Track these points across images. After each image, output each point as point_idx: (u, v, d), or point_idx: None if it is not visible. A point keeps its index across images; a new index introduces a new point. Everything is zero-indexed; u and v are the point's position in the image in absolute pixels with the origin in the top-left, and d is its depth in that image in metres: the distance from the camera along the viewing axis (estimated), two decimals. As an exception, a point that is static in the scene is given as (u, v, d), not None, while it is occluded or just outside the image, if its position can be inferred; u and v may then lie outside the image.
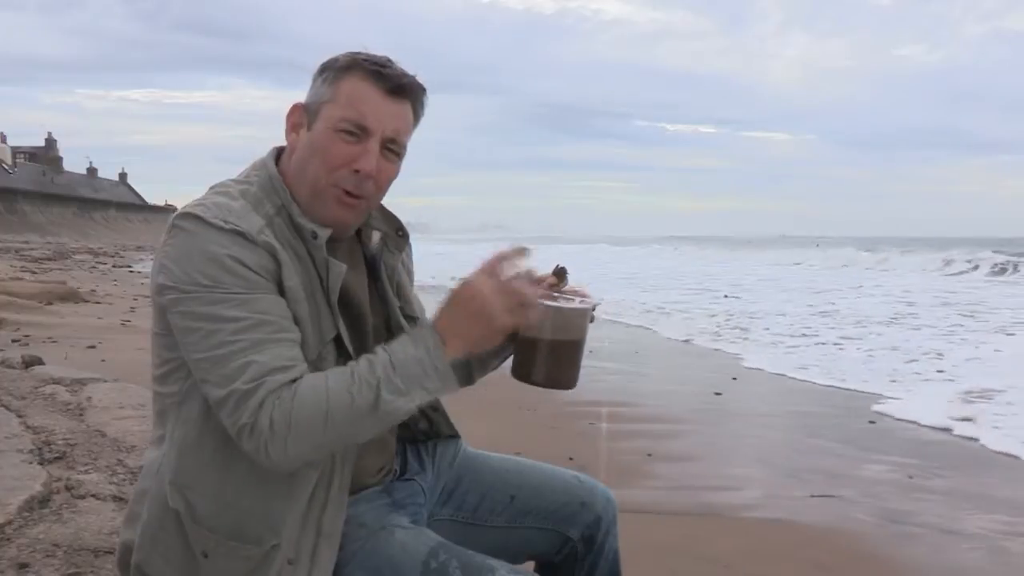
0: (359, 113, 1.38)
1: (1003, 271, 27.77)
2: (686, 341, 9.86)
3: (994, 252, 32.83)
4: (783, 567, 3.11)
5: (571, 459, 4.03)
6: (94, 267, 23.81)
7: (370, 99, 1.38)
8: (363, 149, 1.38)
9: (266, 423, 1.25)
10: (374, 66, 1.39)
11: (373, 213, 1.53)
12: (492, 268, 1.30)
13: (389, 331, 1.54)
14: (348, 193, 1.40)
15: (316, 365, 1.35)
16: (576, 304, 1.34)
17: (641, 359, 8.34)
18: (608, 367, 7.14)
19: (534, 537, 1.65)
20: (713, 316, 12.69)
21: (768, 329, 10.88)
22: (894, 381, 7.07)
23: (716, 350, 9.10)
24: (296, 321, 1.34)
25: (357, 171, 1.38)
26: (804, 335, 10.30)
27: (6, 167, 71.41)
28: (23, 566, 2.14)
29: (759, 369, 7.71)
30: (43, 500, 2.57)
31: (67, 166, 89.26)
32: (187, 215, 1.32)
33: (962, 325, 11.72)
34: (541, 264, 1.38)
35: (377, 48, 1.42)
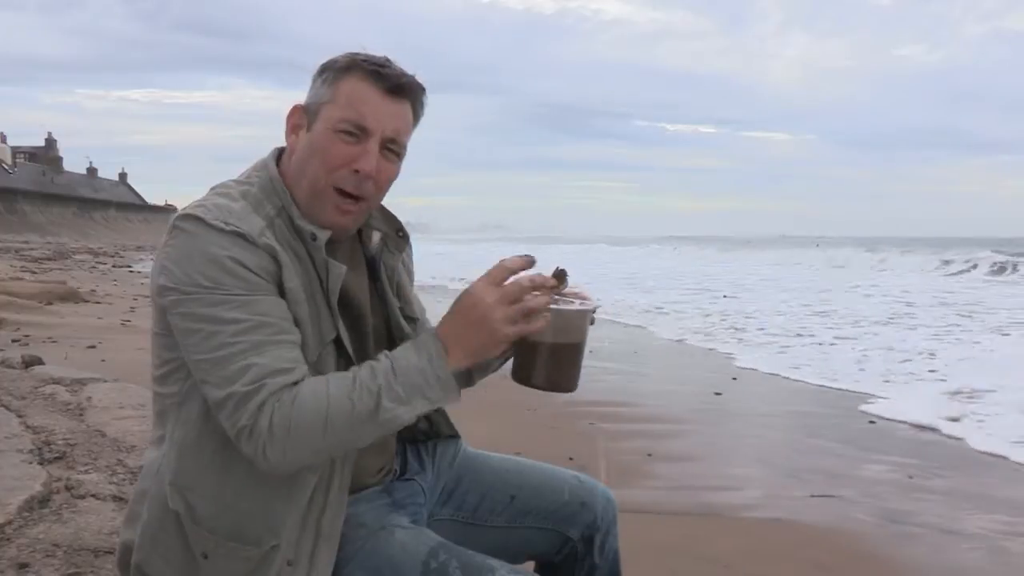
0: (358, 113, 1.38)
1: (1002, 270, 27.78)
2: (679, 341, 9.86)
3: (994, 252, 32.86)
4: (783, 567, 3.11)
5: (571, 459, 4.03)
6: (94, 267, 23.81)
7: (369, 99, 1.38)
8: (363, 149, 1.38)
9: (265, 425, 1.24)
10: (373, 66, 1.39)
11: (373, 213, 1.53)
12: (496, 278, 1.29)
13: (389, 331, 1.54)
14: (347, 195, 1.39)
15: (316, 367, 1.35)
16: (576, 307, 1.34)
17: (635, 359, 8.33)
18: (604, 367, 7.15)
19: (534, 537, 1.65)
20: (708, 316, 12.72)
21: (762, 329, 10.89)
22: (887, 381, 7.08)
23: (710, 350, 9.11)
24: (296, 323, 1.34)
25: (357, 171, 1.38)
26: (799, 335, 10.32)
27: (6, 167, 71.41)
28: (23, 566, 2.15)
29: (752, 369, 7.71)
30: (43, 500, 2.57)
31: (67, 166, 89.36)
32: (188, 216, 1.32)
33: (958, 325, 11.74)
34: (541, 265, 1.38)
35: (377, 48, 1.42)
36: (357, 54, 1.41)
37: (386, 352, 1.32)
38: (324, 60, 1.43)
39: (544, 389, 1.36)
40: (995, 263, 29.13)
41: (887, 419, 5.62)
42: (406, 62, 1.43)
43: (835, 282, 22.63)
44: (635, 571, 1.98)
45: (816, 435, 5.22)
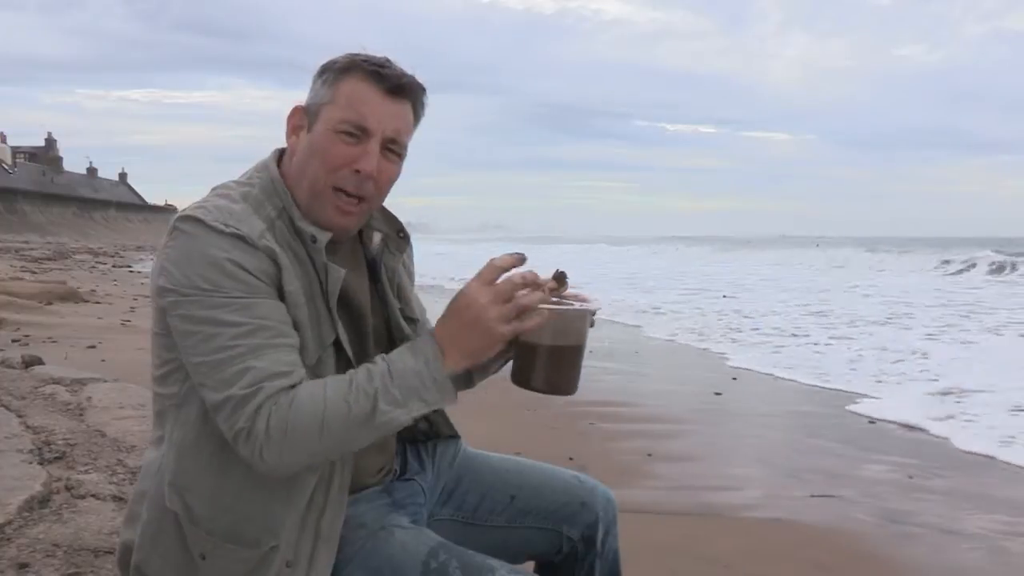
0: (359, 114, 1.37)
1: (1000, 269, 27.80)
2: (673, 341, 9.86)
3: (994, 252, 32.90)
4: (783, 567, 3.11)
5: (571, 459, 4.03)
6: (94, 267, 23.81)
7: (369, 100, 1.38)
8: (363, 150, 1.38)
9: (262, 428, 1.24)
10: (373, 66, 1.39)
11: (374, 214, 1.53)
12: (487, 277, 1.29)
13: (389, 332, 1.54)
14: (348, 195, 1.39)
15: (315, 369, 1.35)
16: (576, 309, 1.34)
17: (633, 359, 8.32)
18: (603, 367, 7.16)
19: (534, 537, 1.65)
20: (704, 316, 12.74)
21: (757, 329, 10.91)
22: (879, 381, 7.09)
23: (704, 350, 9.12)
24: (295, 325, 1.33)
25: (358, 172, 1.38)
26: (794, 335, 10.34)
27: (6, 167, 71.41)
28: (23, 566, 2.15)
29: (746, 369, 7.71)
30: (43, 500, 2.57)
31: (67, 166, 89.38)
32: (188, 218, 1.32)
33: (955, 325, 11.74)
34: (541, 266, 1.37)
35: (377, 48, 1.42)
36: (357, 55, 1.41)
37: (383, 355, 1.32)
38: (324, 61, 1.43)
39: (543, 392, 1.35)
40: (993, 263, 29.15)
41: (873, 418, 5.64)
42: (406, 62, 1.43)
43: (834, 282, 22.64)
44: (635, 571, 1.98)
45: (816, 435, 5.22)
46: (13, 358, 5.19)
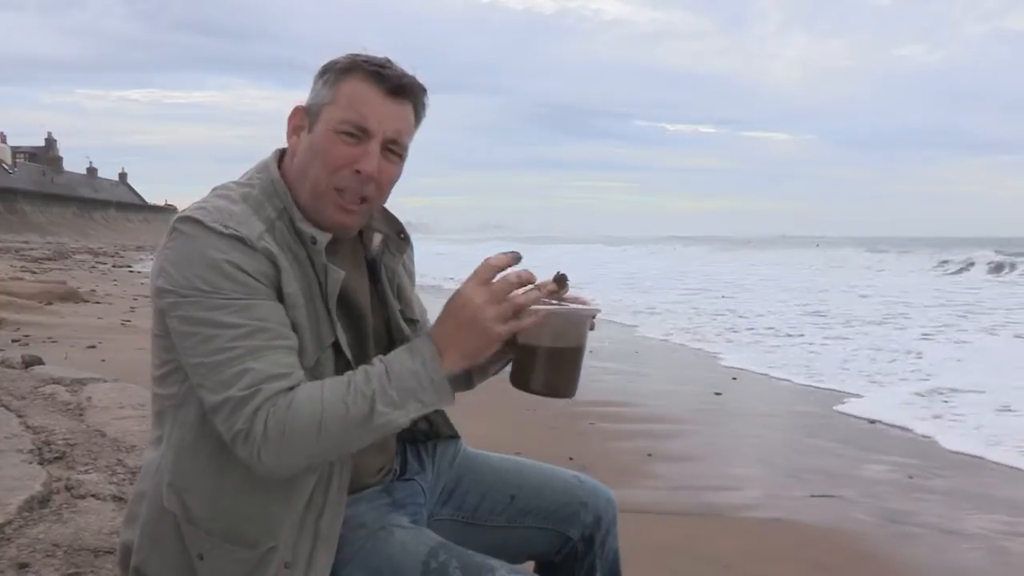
0: (359, 115, 1.37)
1: (999, 269, 27.82)
2: (667, 341, 9.87)
3: (994, 252, 32.92)
4: (783, 567, 3.11)
5: (571, 459, 4.03)
6: (94, 267, 23.80)
7: (370, 100, 1.38)
8: (364, 150, 1.38)
9: (260, 430, 1.24)
10: (374, 67, 1.38)
11: (375, 215, 1.53)
12: (482, 277, 1.29)
13: (389, 333, 1.54)
14: (348, 194, 1.39)
15: (314, 371, 1.35)
16: (576, 310, 1.33)
17: (625, 358, 8.33)
18: (603, 367, 7.17)
19: (534, 537, 1.65)
20: (701, 316, 12.75)
21: (752, 329, 10.92)
22: (871, 381, 7.11)
23: (697, 350, 9.13)
24: (294, 327, 1.33)
25: (358, 172, 1.38)
26: (788, 335, 10.36)
27: (6, 167, 71.41)
28: (23, 566, 2.15)
29: (739, 368, 7.71)
30: (43, 500, 2.57)
31: (67, 166, 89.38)
32: (187, 219, 1.32)
33: (952, 325, 11.74)
34: (541, 266, 1.37)
35: (377, 48, 1.42)
36: (358, 55, 1.40)
37: (380, 357, 1.32)
38: (325, 61, 1.43)
39: (542, 394, 1.35)
40: (992, 262, 29.16)
41: (860, 418, 5.67)
42: (406, 62, 1.43)
43: (833, 282, 22.65)
44: (635, 571, 1.98)
45: (815, 435, 5.22)
46: (13, 358, 5.19)
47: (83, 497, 2.64)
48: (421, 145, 1.50)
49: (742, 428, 5.47)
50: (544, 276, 1.34)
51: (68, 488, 2.69)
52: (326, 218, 1.40)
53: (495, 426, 4.36)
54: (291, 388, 1.27)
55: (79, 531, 2.37)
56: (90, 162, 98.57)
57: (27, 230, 55.41)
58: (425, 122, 1.47)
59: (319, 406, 1.26)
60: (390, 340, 1.53)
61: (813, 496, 3.94)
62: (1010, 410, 5.85)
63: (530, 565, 1.71)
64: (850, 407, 5.96)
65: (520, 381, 1.35)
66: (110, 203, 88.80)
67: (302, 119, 1.43)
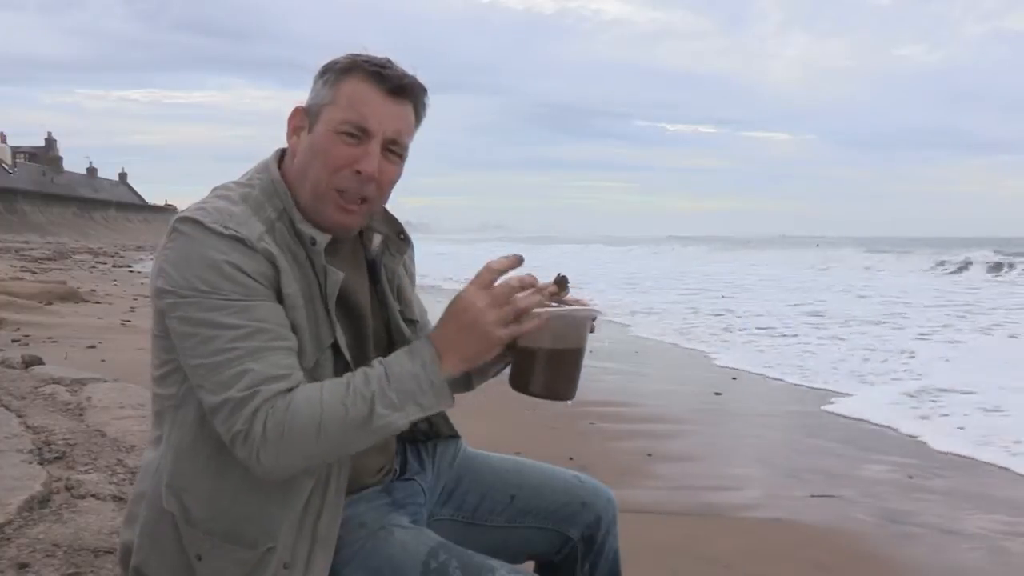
0: (359, 115, 1.37)
1: (998, 268, 27.82)
2: (659, 340, 9.87)
3: (993, 252, 32.90)
4: (783, 567, 3.11)
5: (571, 459, 4.03)
6: (94, 267, 23.80)
7: (370, 100, 1.38)
8: (364, 151, 1.37)
9: (259, 431, 1.24)
10: (374, 67, 1.38)
11: (375, 215, 1.53)
12: (484, 281, 1.29)
13: (389, 334, 1.54)
14: (349, 194, 1.39)
15: (313, 372, 1.35)
16: (576, 313, 1.33)
17: (624, 358, 8.33)
18: (604, 367, 7.17)
19: (534, 537, 1.65)
20: (698, 316, 12.77)
21: (744, 329, 10.92)
22: (863, 381, 7.12)
23: (692, 349, 9.14)
24: (294, 328, 1.33)
25: (359, 172, 1.37)
26: (783, 335, 10.37)
27: (6, 167, 71.40)
28: (23, 566, 2.14)
29: (733, 368, 7.72)
30: (43, 500, 2.57)
31: (67, 166, 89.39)
32: (187, 219, 1.32)
33: (949, 325, 11.73)
34: (541, 266, 1.37)
35: (377, 48, 1.42)
36: (358, 55, 1.40)
37: (380, 359, 1.32)
38: (325, 61, 1.43)
39: (542, 397, 1.34)
40: (991, 262, 29.16)
41: (847, 417, 5.68)
42: (406, 62, 1.42)
43: (832, 282, 22.65)
44: (635, 571, 1.98)
45: (815, 435, 5.22)
46: (13, 358, 5.19)
47: (83, 497, 2.64)
48: (421, 145, 1.50)
49: (742, 428, 5.48)
50: (545, 277, 1.34)
51: (68, 488, 2.69)
52: (326, 218, 1.40)
53: (495, 426, 4.36)
54: (290, 389, 1.27)
55: (79, 531, 2.37)
56: (90, 162, 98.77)
57: (27, 230, 55.41)
58: (425, 122, 1.47)
59: (318, 407, 1.25)
60: (390, 341, 1.53)
61: (813, 496, 3.94)
62: (998, 410, 5.85)
63: (530, 565, 1.71)
64: (838, 407, 5.97)
65: (520, 384, 1.35)
66: (110, 203, 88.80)
67: (302, 119, 1.43)
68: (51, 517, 2.46)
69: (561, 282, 1.33)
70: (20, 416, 3.64)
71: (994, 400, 6.13)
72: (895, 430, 5.30)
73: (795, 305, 14.80)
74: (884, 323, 11.93)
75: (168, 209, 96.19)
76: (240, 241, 1.30)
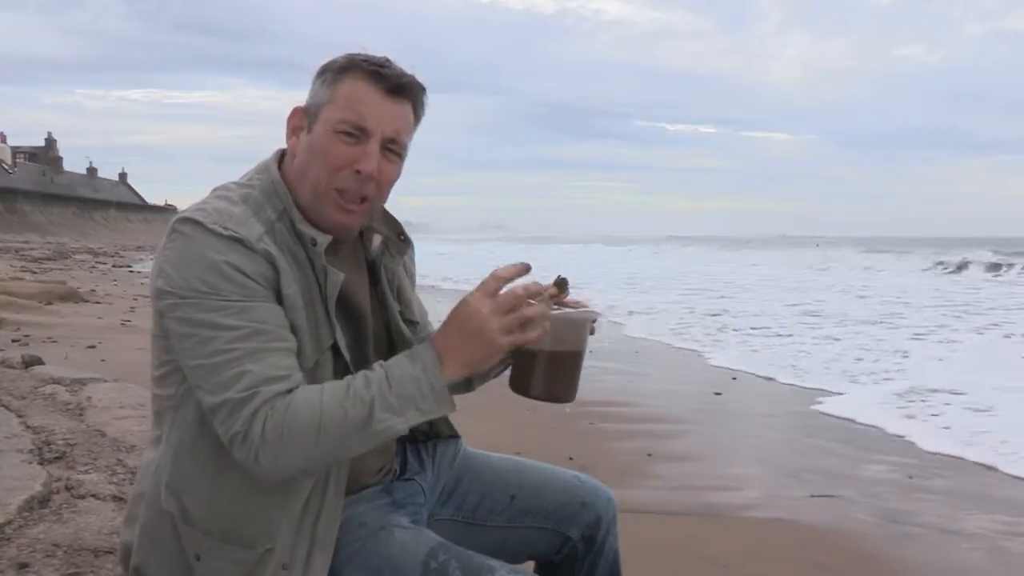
0: (358, 114, 1.37)
1: (996, 267, 27.82)
2: (654, 340, 9.87)
3: (993, 252, 32.88)
4: (783, 567, 3.11)
5: (571, 459, 4.03)
6: (94, 267, 23.80)
7: (369, 100, 1.38)
8: (363, 150, 1.37)
9: (258, 432, 1.24)
10: (372, 66, 1.38)
11: (375, 216, 1.53)
12: (490, 288, 1.28)
13: (389, 335, 1.54)
14: (349, 194, 1.39)
15: (313, 373, 1.35)
16: (576, 316, 1.33)
17: (623, 358, 8.33)
18: (604, 367, 7.17)
19: (534, 537, 1.65)
20: (693, 315, 12.77)
21: (738, 330, 10.91)
22: (854, 381, 7.12)
23: (686, 349, 9.15)
24: (293, 329, 1.33)
25: (358, 172, 1.37)
26: (778, 335, 10.37)
27: (6, 167, 71.41)
28: (23, 566, 2.14)
29: (726, 367, 7.72)
30: (43, 500, 2.57)
31: (67, 166, 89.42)
32: (187, 220, 1.32)
33: (946, 326, 11.71)
34: (541, 266, 1.37)
35: (377, 48, 1.41)
36: (356, 55, 1.40)
37: (381, 362, 1.32)
38: (324, 61, 1.43)
39: (542, 399, 1.34)
40: (990, 262, 29.15)
41: (834, 416, 5.69)
42: (405, 62, 1.42)
43: (831, 282, 22.65)
44: (635, 571, 1.98)
45: (815, 435, 5.22)
46: (13, 358, 5.19)
47: (83, 497, 2.64)
48: (421, 145, 1.50)
49: (740, 428, 5.47)
50: (545, 278, 1.34)
51: (68, 488, 2.69)
52: (326, 219, 1.40)
53: (495, 426, 4.36)
54: (290, 391, 1.27)
55: (79, 531, 2.37)
56: (90, 162, 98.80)
57: (27, 230, 55.41)
58: (425, 122, 1.47)
59: (318, 409, 1.25)
60: (390, 342, 1.53)
61: (813, 496, 3.94)
62: (986, 410, 5.85)
63: (530, 565, 1.71)
64: (826, 406, 5.97)
65: (520, 386, 1.35)
66: (110, 203, 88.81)
67: (301, 120, 1.43)
68: (51, 517, 2.46)
69: (561, 284, 1.33)
70: (20, 416, 3.64)
71: (984, 400, 6.12)
72: (881, 429, 5.30)
73: (793, 305, 14.79)
74: (880, 323, 11.92)
75: (168, 209, 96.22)
76: (240, 242, 1.30)
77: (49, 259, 25.85)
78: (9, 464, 2.89)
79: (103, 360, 6.23)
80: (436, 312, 1.54)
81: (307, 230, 1.38)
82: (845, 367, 7.81)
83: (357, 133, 1.37)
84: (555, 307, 1.31)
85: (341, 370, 1.38)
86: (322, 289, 1.38)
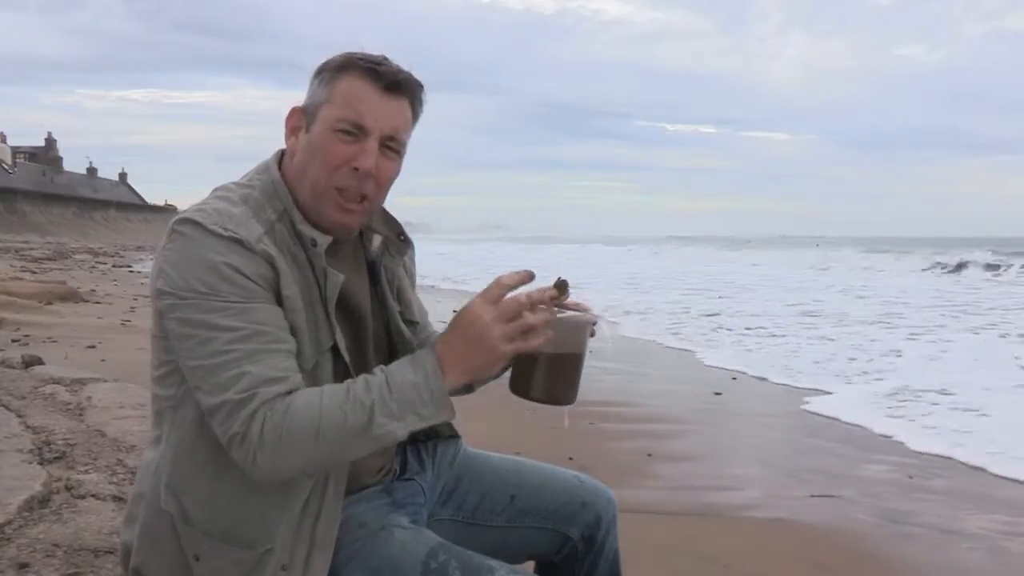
0: (356, 112, 1.37)
1: (994, 267, 27.82)
2: (651, 341, 9.86)
3: (993, 252, 32.87)
4: (783, 567, 3.11)
5: (571, 459, 4.03)
6: (94, 267, 23.80)
7: (366, 97, 1.37)
8: (361, 148, 1.37)
9: (256, 433, 1.24)
10: (369, 64, 1.38)
11: (374, 216, 1.53)
12: (493, 295, 1.28)
13: (389, 336, 1.54)
14: (349, 192, 1.39)
15: (312, 374, 1.35)
16: (577, 318, 1.33)
17: (616, 358, 8.34)
18: (596, 367, 7.16)
19: (534, 537, 1.65)
20: (690, 315, 12.77)
21: (732, 329, 10.92)
22: (846, 381, 7.12)
23: (678, 349, 9.16)
24: (293, 330, 1.33)
25: (356, 169, 1.37)
26: (773, 335, 10.37)
27: (6, 167, 71.41)
28: (23, 566, 2.14)
29: (719, 367, 7.73)
30: (43, 500, 2.57)
31: (67, 166, 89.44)
32: (186, 220, 1.32)
33: (944, 326, 11.70)
34: (541, 266, 1.37)
35: (377, 48, 1.42)
36: (353, 53, 1.40)
37: (382, 367, 1.31)
38: (321, 61, 1.43)
39: (541, 401, 1.34)
40: (988, 263, 29.14)
41: (822, 415, 5.70)
42: (405, 61, 1.42)
43: (831, 282, 22.65)
44: (635, 571, 1.98)
45: (815, 435, 5.22)
46: (13, 358, 5.19)
47: (83, 497, 2.64)
48: (421, 145, 1.49)
49: (740, 428, 5.47)
50: (546, 279, 1.34)
51: (68, 488, 2.69)
52: (326, 218, 1.40)
53: (495, 426, 4.36)
54: (289, 392, 1.27)
55: (79, 531, 2.37)
56: (90, 162, 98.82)
57: (27, 230, 55.41)
58: (424, 122, 1.47)
59: (317, 412, 1.25)
60: (390, 342, 1.53)
61: (813, 496, 3.94)
62: (974, 411, 5.84)
63: (530, 565, 1.71)
64: (813, 405, 5.98)
65: (519, 388, 1.35)
66: (110, 203, 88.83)
67: (299, 120, 1.43)
68: (51, 517, 2.46)
69: (561, 286, 1.33)
70: (20, 416, 3.64)
71: (974, 401, 6.11)
72: (866, 429, 5.31)
73: (791, 305, 14.79)
74: (877, 323, 11.90)
75: (168, 209, 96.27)
76: (239, 243, 1.30)
77: (49, 259, 25.85)
78: (9, 464, 2.89)
79: (103, 360, 6.22)
80: (436, 312, 1.54)
81: (307, 231, 1.38)
82: (838, 367, 7.81)
83: (355, 131, 1.37)
84: (556, 309, 1.31)
85: (341, 371, 1.37)
86: (322, 290, 1.38)
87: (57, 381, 4.49)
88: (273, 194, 1.40)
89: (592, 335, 1.38)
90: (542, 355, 1.31)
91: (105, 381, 4.56)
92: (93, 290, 13.28)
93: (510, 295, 1.28)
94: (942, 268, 30.00)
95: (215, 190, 1.42)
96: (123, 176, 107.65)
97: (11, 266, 18.82)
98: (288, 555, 1.36)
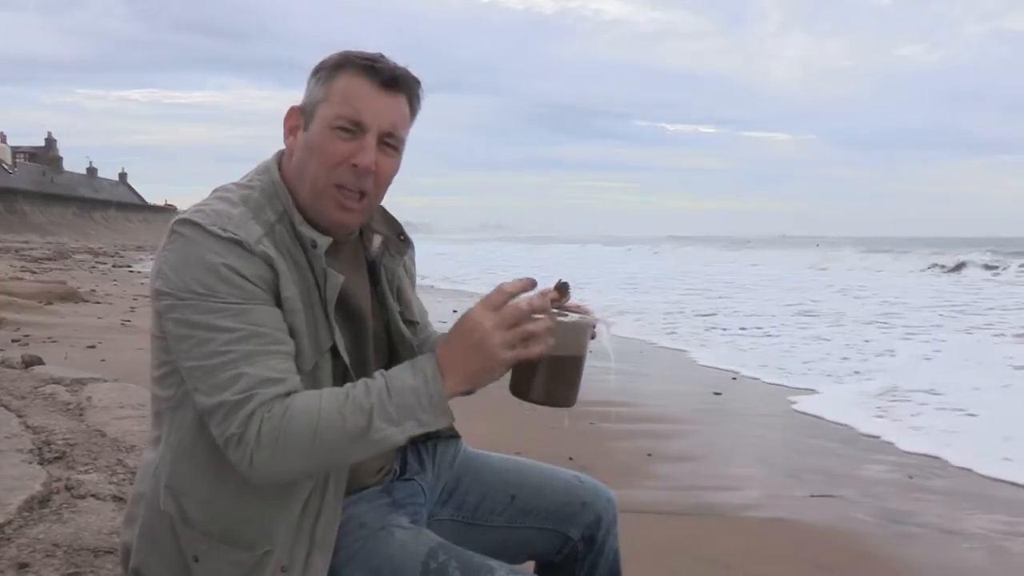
0: (354, 109, 1.37)
1: (994, 267, 27.81)
2: (646, 341, 9.84)
3: (992, 252, 32.87)
4: (783, 567, 3.11)
5: (571, 459, 4.03)
6: (94, 267, 23.80)
7: (364, 94, 1.37)
8: (360, 145, 1.37)
9: (254, 434, 1.24)
10: (366, 61, 1.38)
11: (375, 216, 1.53)
12: (494, 302, 1.28)
13: (389, 336, 1.54)
14: (348, 190, 1.39)
15: (312, 375, 1.34)
16: (577, 321, 1.33)
17: (622, 359, 8.35)
18: (596, 367, 7.16)
19: (534, 537, 1.65)
20: (686, 315, 12.77)
21: (727, 329, 10.92)
22: (836, 380, 7.12)
23: (671, 348, 9.16)
24: (292, 332, 1.33)
25: (355, 166, 1.37)
26: (768, 335, 10.37)
27: (6, 167, 71.41)
28: (23, 566, 2.14)
29: (712, 367, 7.73)
30: (43, 500, 2.57)
31: (67, 166, 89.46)
32: (186, 221, 1.32)
33: (941, 326, 11.69)
34: (541, 266, 1.36)
35: (377, 48, 1.42)
36: (350, 51, 1.40)
37: (382, 371, 1.31)
38: (318, 61, 1.43)
39: (542, 403, 1.35)
40: (987, 263, 29.12)
41: (809, 414, 5.70)
42: (405, 61, 1.43)
43: (830, 282, 22.64)
44: (635, 571, 1.98)
45: (815, 435, 5.22)
46: (13, 358, 5.19)
47: (83, 497, 2.64)
48: (420, 145, 1.49)
49: (740, 428, 5.47)
50: (546, 279, 1.34)
51: (68, 488, 2.69)
52: (326, 217, 1.40)
53: (495, 426, 4.35)
54: (287, 394, 1.27)
55: (79, 531, 2.37)
56: (90, 162, 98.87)
57: (27, 230, 55.41)
58: (424, 122, 1.48)
59: (315, 415, 1.25)
60: (390, 342, 1.53)
61: (813, 496, 3.94)
62: (963, 411, 5.82)
63: (530, 565, 1.71)
64: (800, 405, 5.98)
65: (519, 390, 1.35)
66: (110, 203, 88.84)
67: (298, 119, 1.43)
68: (51, 517, 2.46)
69: (562, 288, 1.33)
70: (20, 416, 3.64)
71: (962, 401, 6.10)
72: (852, 428, 5.30)
73: (789, 305, 14.77)
74: (873, 323, 11.89)
75: (168, 209, 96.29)
76: (238, 244, 1.30)
77: (49, 259, 25.85)
78: (9, 464, 2.89)
79: (103, 360, 6.22)
80: (436, 312, 1.54)
81: (307, 232, 1.38)
82: (831, 367, 7.79)
83: (353, 128, 1.37)
84: (556, 311, 1.31)
85: (340, 372, 1.37)
86: (321, 292, 1.38)
87: (57, 381, 4.49)
88: (273, 195, 1.40)
89: (592, 337, 1.38)
90: (542, 357, 1.31)
91: (105, 381, 4.56)
92: (93, 290, 13.27)
93: (511, 302, 1.28)
94: (941, 268, 30.00)
95: (215, 191, 1.42)
96: (123, 176, 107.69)
97: (11, 266, 18.82)
98: (288, 556, 1.35)
